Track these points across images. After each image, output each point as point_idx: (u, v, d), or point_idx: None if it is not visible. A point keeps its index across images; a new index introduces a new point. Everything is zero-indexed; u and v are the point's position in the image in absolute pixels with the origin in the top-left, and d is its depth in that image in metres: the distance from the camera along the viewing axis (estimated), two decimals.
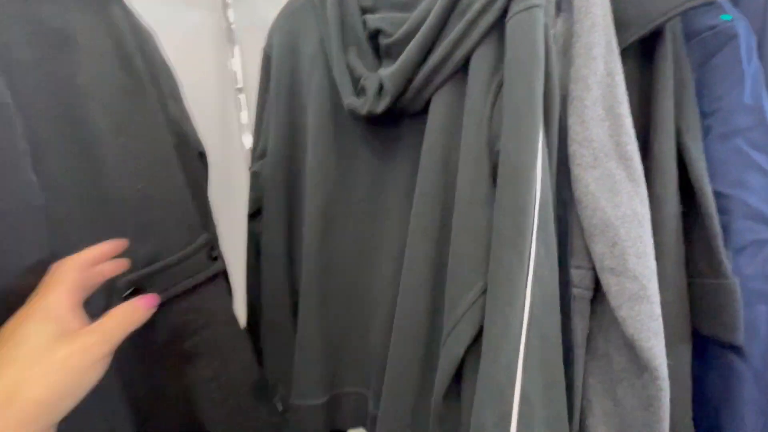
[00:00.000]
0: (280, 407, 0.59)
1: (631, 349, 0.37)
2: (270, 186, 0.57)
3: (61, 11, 0.39)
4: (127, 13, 0.48)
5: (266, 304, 0.58)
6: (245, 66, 0.83)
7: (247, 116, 0.84)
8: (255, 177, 0.60)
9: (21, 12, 0.37)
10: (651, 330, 0.35)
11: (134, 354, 0.42)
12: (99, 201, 0.41)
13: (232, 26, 0.82)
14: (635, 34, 0.40)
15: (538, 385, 0.36)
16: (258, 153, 0.61)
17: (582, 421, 0.43)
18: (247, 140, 0.84)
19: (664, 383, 0.35)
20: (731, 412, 0.41)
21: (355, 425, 0.58)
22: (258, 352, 0.58)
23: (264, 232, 0.58)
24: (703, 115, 0.42)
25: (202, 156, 0.57)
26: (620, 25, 0.41)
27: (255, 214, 0.60)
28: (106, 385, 0.31)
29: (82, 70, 0.40)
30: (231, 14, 0.81)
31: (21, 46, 0.36)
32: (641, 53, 0.42)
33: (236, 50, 0.83)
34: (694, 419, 0.43)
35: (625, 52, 0.41)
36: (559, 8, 0.45)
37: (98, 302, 0.37)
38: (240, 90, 0.84)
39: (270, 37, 0.60)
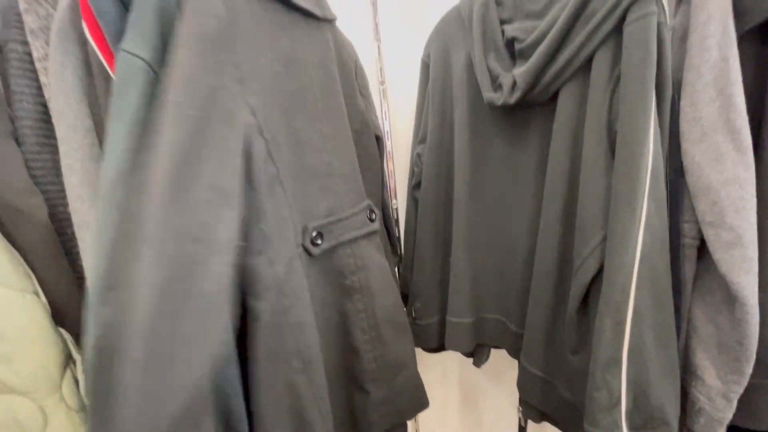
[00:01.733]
0: (413, 314, 0.80)
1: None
2: (428, 163, 0.76)
3: (292, 41, 0.53)
4: (335, 34, 0.62)
5: (419, 248, 0.79)
6: (386, 62, 0.96)
7: (386, 106, 0.96)
8: (418, 157, 0.80)
9: (268, 43, 0.49)
10: (742, 269, 0.45)
11: (321, 282, 0.55)
12: (302, 169, 0.52)
13: (378, 27, 0.97)
14: (752, 22, 0.46)
15: (648, 303, 0.49)
16: (419, 139, 0.80)
17: (687, 340, 0.55)
18: (386, 125, 0.97)
19: (752, 309, 0.46)
20: None
21: (495, 342, 0.78)
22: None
23: (422, 197, 0.78)
24: None
25: (378, 139, 0.73)
26: (739, 13, 0.47)
27: (417, 185, 0.80)
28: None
29: (296, 79, 0.53)
30: (379, 17, 0.97)
31: (267, 66, 0.48)
32: (760, 37, 0.48)
33: (381, 48, 0.96)
34: None
35: (744, 36, 0.48)
36: (680, 0, 0.52)
37: (296, 238, 0.50)
38: (382, 82, 0.97)
39: (427, 48, 0.77)
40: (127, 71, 0.37)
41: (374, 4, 0.91)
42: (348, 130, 0.61)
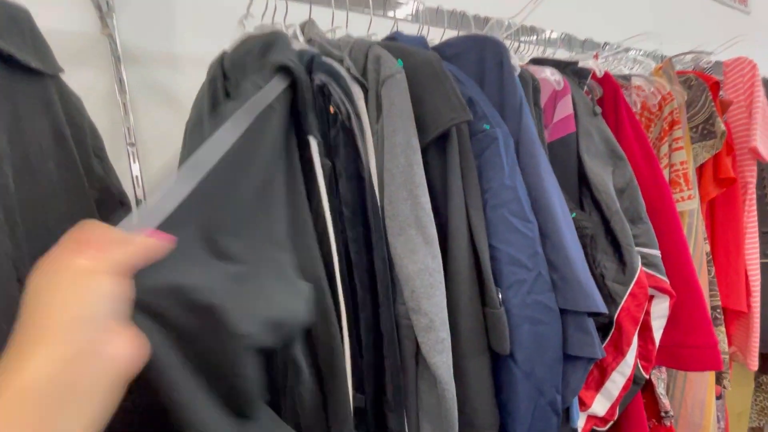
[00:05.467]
0: None
1: None
2: None
3: (13, 104, 0.46)
4: (61, 89, 0.54)
5: None
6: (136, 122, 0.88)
7: (138, 168, 0.88)
8: None
9: None
10: (435, 350, 0.51)
11: None
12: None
13: (125, 85, 0.86)
14: (432, 135, 0.55)
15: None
16: None
17: (418, 413, 0.59)
18: (139, 191, 0.88)
19: (448, 385, 0.52)
20: (511, 397, 0.58)
21: None
22: None
23: None
24: (482, 191, 0.57)
25: (123, 204, 0.64)
26: (422, 128, 0.56)
27: None
28: None
29: (22, 151, 0.47)
30: (124, 73, 0.87)
31: None
32: (442, 147, 0.58)
33: (128, 106, 0.86)
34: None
35: (429, 146, 0.57)
36: (379, 111, 0.59)
37: None
38: (132, 144, 0.88)
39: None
40: None
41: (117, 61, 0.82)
42: (90, 201, 0.56)
